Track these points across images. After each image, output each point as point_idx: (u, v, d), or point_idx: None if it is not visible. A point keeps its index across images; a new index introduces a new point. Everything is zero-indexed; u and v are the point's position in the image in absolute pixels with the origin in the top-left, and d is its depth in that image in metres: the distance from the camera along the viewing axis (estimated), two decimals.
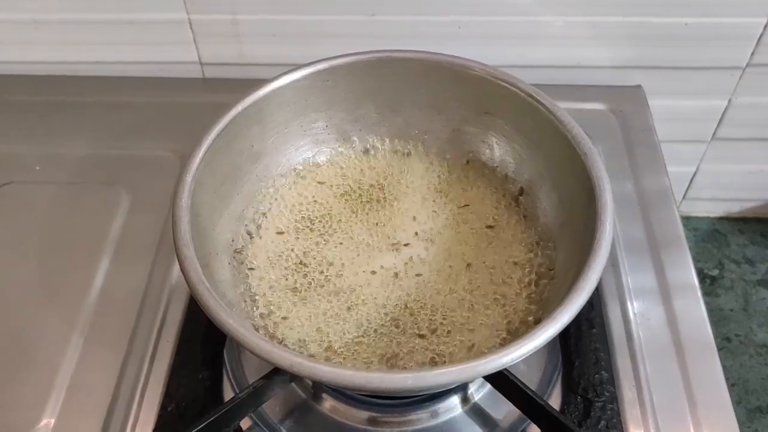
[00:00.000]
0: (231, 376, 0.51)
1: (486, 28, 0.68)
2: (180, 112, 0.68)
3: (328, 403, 0.49)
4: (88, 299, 0.55)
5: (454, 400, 0.49)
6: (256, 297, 0.48)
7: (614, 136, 0.66)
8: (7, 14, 0.69)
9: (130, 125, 0.68)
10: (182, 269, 0.41)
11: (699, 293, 0.55)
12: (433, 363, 0.45)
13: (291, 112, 0.52)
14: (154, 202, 0.60)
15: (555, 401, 0.49)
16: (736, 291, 0.81)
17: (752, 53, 0.68)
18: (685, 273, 0.56)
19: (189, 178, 0.44)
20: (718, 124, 0.75)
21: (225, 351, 0.52)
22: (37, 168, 0.64)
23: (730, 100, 0.73)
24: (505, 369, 0.41)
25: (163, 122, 0.68)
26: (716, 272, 0.83)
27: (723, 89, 0.72)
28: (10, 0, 0.67)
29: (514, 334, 0.46)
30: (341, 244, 0.51)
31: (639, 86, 0.71)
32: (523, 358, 0.37)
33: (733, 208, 0.86)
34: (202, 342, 0.52)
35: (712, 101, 0.73)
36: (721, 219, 0.87)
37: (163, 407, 0.49)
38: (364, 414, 0.48)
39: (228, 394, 0.50)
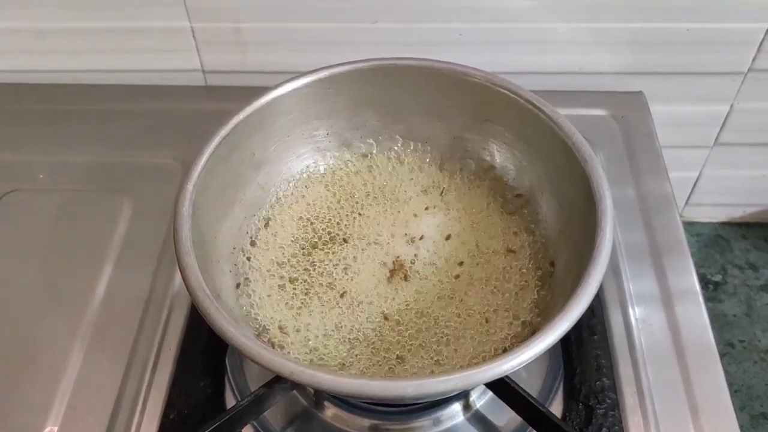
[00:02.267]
0: (233, 384, 0.51)
1: (487, 35, 0.68)
2: (182, 120, 0.68)
3: (329, 411, 0.49)
4: (90, 307, 0.55)
5: (456, 407, 0.49)
6: (258, 305, 0.48)
7: (615, 141, 0.66)
8: (11, 23, 0.69)
9: (132, 133, 0.68)
10: (183, 277, 0.41)
11: (701, 299, 0.54)
12: (434, 371, 0.45)
13: (292, 120, 0.52)
14: (157, 210, 0.60)
15: (556, 408, 0.49)
16: (739, 297, 0.81)
17: (754, 58, 0.68)
18: (687, 279, 0.56)
19: (190, 186, 0.44)
20: (721, 130, 0.75)
21: (227, 359, 0.52)
22: (41, 176, 0.65)
23: (732, 106, 0.73)
24: (507, 376, 0.41)
25: (165, 130, 0.68)
26: (719, 278, 0.83)
27: (725, 95, 0.72)
28: (14, 9, 0.68)
29: (515, 341, 0.46)
30: (343, 251, 0.51)
31: (640, 92, 0.71)
32: (523, 365, 0.37)
33: (736, 213, 0.85)
34: (204, 350, 0.52)
35: (714, 106, 0.73)
36: (723, 224, 0.86)
37: (165, 415, 0.49)
38: (366, 422, 0.48)
39: (230, 402, 0.50)
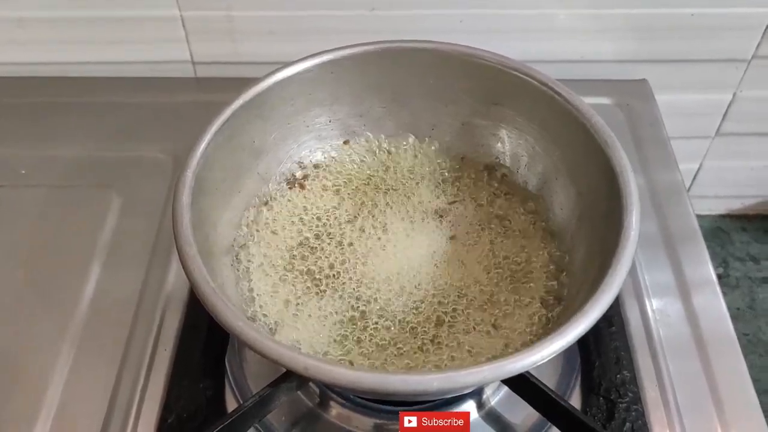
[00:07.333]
0: (233, 385, 0.48)
1: (487, 22, 0.66)
2: (171, 112, 0.66)
3: (334, 411, 0.47)
4: (79, 307, 0.52)
5: (469, 405, 0.47)
6: (260, 300, 0.46)
7: (622, 130, 0.64)
8: None
9: (120, 126, 0.65)
10: (186, 269, 0.38)
11: (717, 288, 0.53)
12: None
13: (294, 106, 0.50)
14: (147, 205, 0.58)
15: (575, 403, 0.47)
16: (741, 289, 0.80)
17: (758, 45, 0.67)
18: (702, 268, 0.55)
19: (190, 173, 0.42)
20: (723, 119, 0.74)
21: (226, 359, 0.49)
22: (23, 172, 0.62)
23: (735, 94, 0.71)
24: (527, 371, 0.39)
25: (154, 123, 0.66)
26: (721, 270, 0.81)
27: (728, 82, 0.71)
28: None
29: (534, 334, 0.44)
30: (349, 243, 0.49)
31: (644, 80, 0.69)
32: (555, 355, 0.35)
33: (735, 205, 0.84)
34: (202, 350, 0.49)
35: (716, 95, 0.72)
36: (723, 217, 0.85)
37: (162, 419, 0.46)
38: (372, 421, 0.46)
39: (230, 403, 0.48)
